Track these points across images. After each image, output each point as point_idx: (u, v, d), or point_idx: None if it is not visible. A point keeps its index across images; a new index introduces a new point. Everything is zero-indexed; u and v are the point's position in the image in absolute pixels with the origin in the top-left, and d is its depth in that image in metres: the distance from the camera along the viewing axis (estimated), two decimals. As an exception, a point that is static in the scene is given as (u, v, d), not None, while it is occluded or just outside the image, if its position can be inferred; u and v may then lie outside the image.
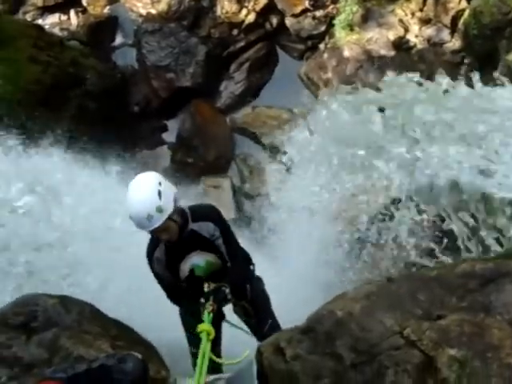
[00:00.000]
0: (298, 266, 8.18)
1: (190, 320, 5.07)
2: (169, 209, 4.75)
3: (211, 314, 4.71)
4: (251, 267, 5.44)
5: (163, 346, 5.66)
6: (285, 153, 10.12)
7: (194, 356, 4.98)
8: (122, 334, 5.48)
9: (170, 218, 4.78)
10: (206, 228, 5.00)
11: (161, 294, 5.41)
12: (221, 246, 5.04)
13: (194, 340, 5.03)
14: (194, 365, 4.61)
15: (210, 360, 4.39)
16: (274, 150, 10.95)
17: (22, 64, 10.81)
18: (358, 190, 8.73)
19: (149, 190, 4.73)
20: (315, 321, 4.17)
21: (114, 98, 12.04)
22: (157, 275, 5.19)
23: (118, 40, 13.68)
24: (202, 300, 4.81)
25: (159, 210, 4.68)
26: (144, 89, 12.88)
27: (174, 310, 5.55)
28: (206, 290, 4.94)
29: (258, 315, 5.50)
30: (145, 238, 5.16)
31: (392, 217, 8.32)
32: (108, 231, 7.72)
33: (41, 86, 10.84)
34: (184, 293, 5.20)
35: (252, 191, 11.43)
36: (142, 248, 5.25)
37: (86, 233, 7.67)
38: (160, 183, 4.77)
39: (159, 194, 4.71)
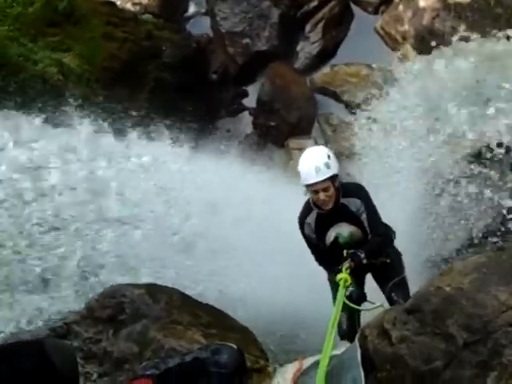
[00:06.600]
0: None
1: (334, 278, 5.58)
2: (334, 169, 5.43)
3: (348, 270, 5.31)
4: (391, 239, 5.90)
5: (264, 331, 5.56)
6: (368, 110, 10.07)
7: None
8: (214, 320, 5.35)
9: (332, 178, 5.41)
10: (354, 203, 5.59)
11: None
12: (364, 220, 5.61)
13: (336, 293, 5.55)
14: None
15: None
16: (356, 107, 10.82)
17: (98, 42, 10.84)
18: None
19: (320, 152, 5.54)
20: (421, 299, 3.90)
21: (191, 68, 11.88)
22: (306, 237, 5.83)
23: (191, 9, 13.58)
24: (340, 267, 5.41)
25: (327, 165, 5.37)
26: (220, 56, 12.73)
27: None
28: (344, 255, 5.49)
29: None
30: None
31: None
32: None
33: (118, 63, 10.88)
34: (328, 256, 5.78)
35: (336, 150, 11.16)
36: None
37: None
38: (330, 153, 5.52)
39: (328, 157, 5.44)
